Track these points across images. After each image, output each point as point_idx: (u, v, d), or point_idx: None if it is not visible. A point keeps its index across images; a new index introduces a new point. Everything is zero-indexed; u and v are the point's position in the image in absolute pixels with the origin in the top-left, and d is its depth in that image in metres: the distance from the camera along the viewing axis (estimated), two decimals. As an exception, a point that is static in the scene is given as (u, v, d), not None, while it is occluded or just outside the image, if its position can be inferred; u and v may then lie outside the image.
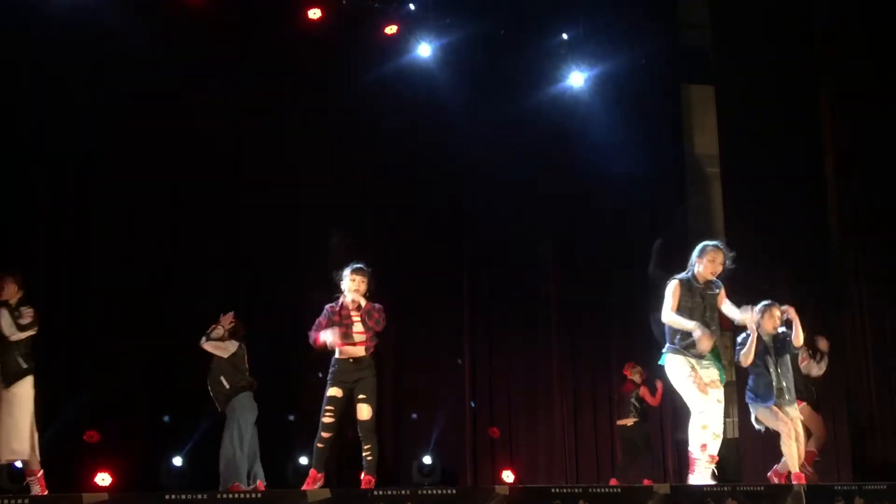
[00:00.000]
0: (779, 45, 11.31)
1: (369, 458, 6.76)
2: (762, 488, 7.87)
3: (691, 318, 6.59)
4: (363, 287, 6.78)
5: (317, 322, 6.80)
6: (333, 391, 6.68)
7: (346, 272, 6.79)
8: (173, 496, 6.16)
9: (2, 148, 8.82)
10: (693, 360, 6.60)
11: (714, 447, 6.66)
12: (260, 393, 9.04)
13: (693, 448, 6.66)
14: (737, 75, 11.38)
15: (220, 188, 9.68)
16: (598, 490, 7.15)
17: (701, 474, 6.65)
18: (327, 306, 6.84)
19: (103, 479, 8.27)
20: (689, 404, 6.67)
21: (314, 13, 10.11)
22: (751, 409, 7.52)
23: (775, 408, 7.31)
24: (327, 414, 6.66)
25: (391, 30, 10.44)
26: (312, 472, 6.73)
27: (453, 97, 10.47)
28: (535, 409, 10.64)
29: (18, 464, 8.04)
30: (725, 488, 7.71)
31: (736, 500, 7.43)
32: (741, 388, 10.65)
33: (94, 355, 8.69)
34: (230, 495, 6.08)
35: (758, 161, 11.20)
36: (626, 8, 11.20)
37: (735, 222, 11.28)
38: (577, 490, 7.13)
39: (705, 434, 6.59)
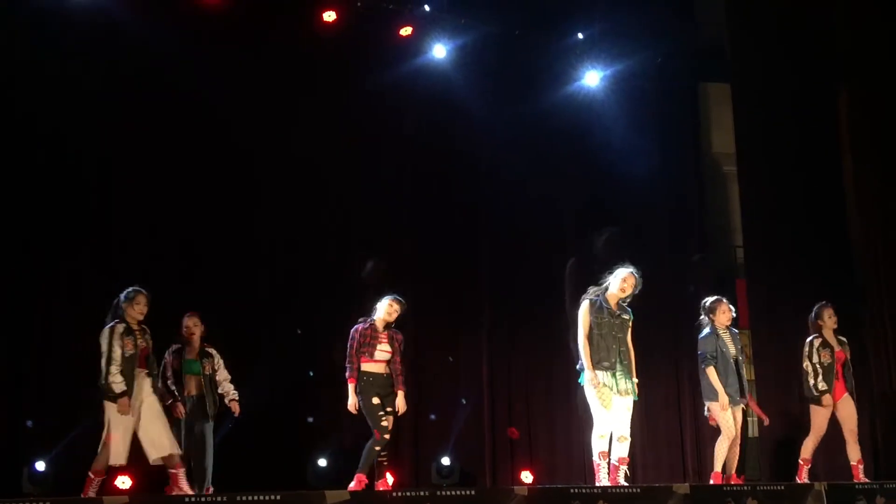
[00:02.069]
0: (796, 42, 11.25)
1: (385, 462, 7.55)
2: (782, 487, 7.86)
3: (600, 333, 7.21)
4: (397, 315, 7.64)
5: (349, 349, 7.58)
6: (376, 399, 7.46)
7: (387, 300, 7.66)
8: (193, 498, 6.22)
9: (18, 146, 8.91)
10: (606, 374, 7.20)
11: (623, 450, 7.23)
12: (280, 395, 9.14)
13: (595, 456, 7.24)
14: (754, 73, 11.33)
15: (235, 189, 9.69)
16: (617, 490, 7.15)
17: (603, 479, 7.18)
18: (354, 329, 7.63)
19: (123, 482, 8.28)
20: (592, 416, 7.28)
21: (329, 15, 10.11)
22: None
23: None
24: (384, 419, 7.42)
25: (406, 31, 10.44)
26: (361, 475, 7.32)
27: (469, 97, 10.45)
28: (554, 410, 10.61)
29: (40, 467, 8.17)
30: (746, 487, 7.71)
31: (756, 499, 7.43)
32: (761, 387, 10.66)
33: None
34: (250, 497, 6.12)
35: (775, 159, 11.14)
36: (642, 6, 11.14)
37: (753, 221, 11.23)
38: (595, 490, 7.14)
39: (603, 443, 7.18)
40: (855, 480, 8.23)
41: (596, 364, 7.20)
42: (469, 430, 10.06)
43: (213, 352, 8.03)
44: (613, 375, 7.21)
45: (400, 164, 10.50)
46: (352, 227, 10.14)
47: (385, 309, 7.60)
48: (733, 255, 11.97)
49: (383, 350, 7.55)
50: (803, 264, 10.85)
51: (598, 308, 7.28)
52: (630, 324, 7.37)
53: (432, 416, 10.10)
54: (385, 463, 7.64)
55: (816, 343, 8.50)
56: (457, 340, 10.39)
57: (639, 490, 7.58)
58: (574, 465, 10.33)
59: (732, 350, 8.07)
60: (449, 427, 9.95)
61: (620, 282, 7.33)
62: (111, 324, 7.26)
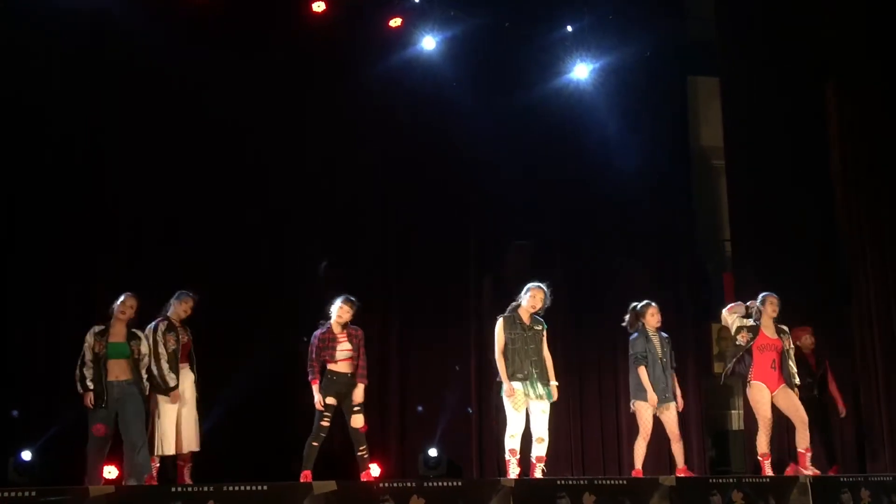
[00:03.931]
0: (785, 36, 11.26)
1: (366, 455, 7.84)
2: (768, 480, 7.90)
3: (514, 346, 7.79)
4: (349, 316, 7.94)
5: (310, 353, 7.88)
6: (330, 400, 7.78)
7: (339, 302, 7.95)
8: (179, 489, 6.22)
9: (15, 142, 8.96)
10: (521, 383, 7.74)
11: (540, 450, 7.74)
12: (267, 387, 9.13)
13: (506, 453, 7.76)
14: (742, 67, 11.34)
15: (226, 185, 9.72)
16: (604, 482, 7.19)
17: (513, 474, 7.68)
18: (314, 335, 7.94)
19: (110, 472, 8.27)
20: (507, 417, 7.78)
21: (318, 6, 10.12)
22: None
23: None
24: (325, 419, 7.75)
25: (395, 23, 10.44)
26: (307, 472, 7.62)
27: (458, 90, 10.46)
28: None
29: (26, 456, 8.16)
30: (731, 480, 7.75)
31: (742, 491, 7.47)
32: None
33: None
34: (237, 487, 6.13)
35: (763, 153, 11.16)
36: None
37: (741, 215, 11.25)
38: (582, 482, 7.18)
39: (513, 441, 7.70)
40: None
41: (511, 376, 7.74)
42: (456, 422, 10.08)
43: (142, 335, 7.72)
44: (530, 384, 7.74)
45: (388, 157, 10.49)
46: (339, 220, 10.14)
47: (337, 311, 7.92)
48: (721, 249, 12.00)
49: (344, 349, 7.87)
50: (791, 258, 10.87)
51: (512, 323, 7.86)
52: (543, 334, 7.95)
53: (419, 408, 10.12)
54: (365, 456, 7.82)
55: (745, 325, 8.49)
56: (445, 333, 10.39)
57: (625, 482, 7.62)
58: (561, 458, 10.35)
59: (659, 352, 8.44)
60: (436, 419, 9.96)
61: (530, 297, 7.90)
62: (154, 323, 7.76)
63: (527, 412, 7.75)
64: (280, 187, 9.96)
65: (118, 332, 7.65)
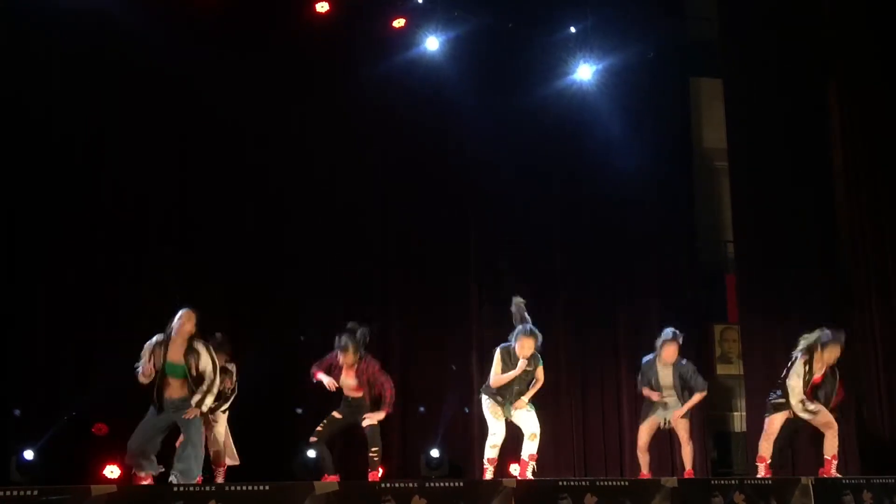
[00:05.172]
0: (787, 36, 11.28)
1: (377, 458, 7.86)
2: (770, 482, 7.89)
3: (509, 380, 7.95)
4: (353, 357, 7.96)
5: (323, 360, 8.07)
6: (337, 414, 8.05)
7: (340, 343, 7.99)
8: (182, 488, 6.20)
9: (15, 142, 8.97)
10: (500, 399, 8.02)
11: (532, 447, 7.97)
12: (268, 387, 9.12)
13: (484, 461, 8.01)
14: (745, 68, 11.35)
15: (225, 184, 9.73)
16: (606, 483, 7.18)
17: (489, 477, 7.87)
18: (330, 354, 8.06)
19: (112, 471, 8.28)
20: (488, 427, 8.04)
21: (322, 6, 10.11)
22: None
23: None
24: (322, 424, 7.97)
25: (399, 23, 10.43)
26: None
27: (461, 90, 10.45)
28: (543, 404, 10.56)
29: (28, 455, 8.15)
30: (733, 482, 7.74)
31: (743, 493, 7.46)
32: (749, 384, 10.68)
33: (102, 346, 8.73)
34: (238, 487, 6.12)
35: (766, 155, 11.16)
36: (634, 1, 11.17)
37: (743, 217, 11.25)
38: (584, 483, 7.17)
39: (492, 451, 7.95)
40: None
41: (493, 395, 7.99)
42: (458, 422, 10.07)
43: (202, 348, 7.17)
44: (506, 400, 8.00)
45: (389, 157, 10.49)
46: (339, 220, 10.13)
47: (341, 354, 7.99)
48: (724, 250, 12.00)
49: (349, 384, 8.02)
50: (793, 260, 10.88)
51: (508, 359, 7.97)
52: (536, 374, 8.05)
53: (421, 409, 10.11)
54: (376, 459, 7.84)
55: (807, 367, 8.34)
56: (446, 333, 10.39)
57: (627, 483, 7.61)
58: (562, 459, 10.36)
59: (663, 383, 8.70)
60: (438, 419, 9.95)
61: (519, 346, 7.93)
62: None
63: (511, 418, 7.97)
64: (280, 187, 9.96)
65: (176, 351, 7.10)
